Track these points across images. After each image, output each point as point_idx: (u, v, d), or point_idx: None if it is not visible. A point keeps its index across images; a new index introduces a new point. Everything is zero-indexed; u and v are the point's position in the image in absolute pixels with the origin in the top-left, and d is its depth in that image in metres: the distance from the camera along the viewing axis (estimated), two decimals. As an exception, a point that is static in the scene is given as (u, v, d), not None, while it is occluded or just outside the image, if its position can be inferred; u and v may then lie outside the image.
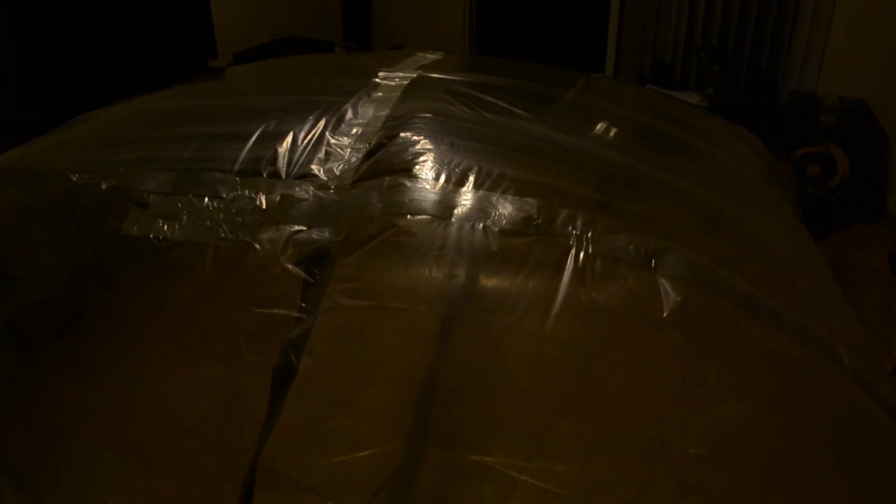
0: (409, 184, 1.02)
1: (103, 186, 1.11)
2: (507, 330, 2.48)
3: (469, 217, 0.98)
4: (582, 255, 0.95)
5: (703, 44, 3.30)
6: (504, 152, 1.11)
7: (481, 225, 0.97)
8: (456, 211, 1.00)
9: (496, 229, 0.97)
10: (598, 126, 1.40)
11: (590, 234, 0.98)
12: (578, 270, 0.95)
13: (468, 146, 1.11)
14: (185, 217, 1.04)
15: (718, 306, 1.03)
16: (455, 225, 0.98)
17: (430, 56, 1.62)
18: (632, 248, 0.97)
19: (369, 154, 1.08)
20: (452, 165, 1.05)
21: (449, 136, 1.12)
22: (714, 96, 3.23)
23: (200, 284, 0.97)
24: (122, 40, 2.70)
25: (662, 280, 0.94)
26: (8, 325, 1.84)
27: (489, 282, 0.95)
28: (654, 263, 0.95)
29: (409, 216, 0.99)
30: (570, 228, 0.98)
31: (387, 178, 1.04)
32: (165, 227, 1.03)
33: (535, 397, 2.23)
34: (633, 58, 3.37)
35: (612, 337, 1.54)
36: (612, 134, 1.39)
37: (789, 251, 1.55)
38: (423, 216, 0.99)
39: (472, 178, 1.04)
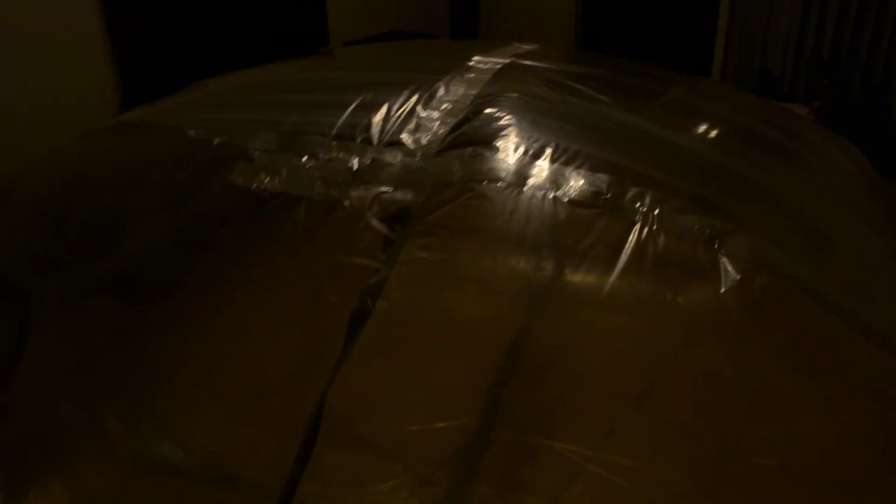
0: (488, 154, 1.08)
1: (215, 142, 1.23)
2: (587, 321, 2.52)
3: (541, 186, 1.04)
4: (646, 230, 0.99)
5: (814, 56, 3.23)
6: (585, 132, 1.16)
7: (551, 195, 1.03)
8: (529, 180, 1.06)
9: (565, 200, 1.03)
10: (697, 124, 1.42)
11: (657, 212, 1.02)
12: (640, 243, 0.99)
13: (550, 125, 1.17)
14: (284, 172, 1.15)
15: (783, 292, 1.04)
16: (527, 193, 1.04)
17: (527, 46, 1.69)
18: (697, 227, 1.00)
19: (455, 127, 1.15)
20: (531, 140, 1.11)
21: (532, 114, 1.18)
22: (822, 109, 3.16)
23: (292, 232, 1.07)
24: (241, 25, 2.88)
25: (724, 259, 0.97)
26: (120, 275, 2.03)
27: (557, 253, 1.00)
28: (718, 244, 0.98)
29: (485, 182, 1.05)
30: (637, 205, 1.02)
31: (468, 149, 1.11)
32: (267, 180, 1.14)
33: (609, 391, 2.25)
34: (740, 67, 3.33)
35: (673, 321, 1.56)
36: (711, 133, 1.41)
37: (883, 266, 1.53)
38: (499, 183, 1.05)
39: (548, 152, 1.09)
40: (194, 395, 2.11)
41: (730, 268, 0.97)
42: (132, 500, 1.58)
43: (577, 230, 1.00)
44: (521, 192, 1.04)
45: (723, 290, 0.96)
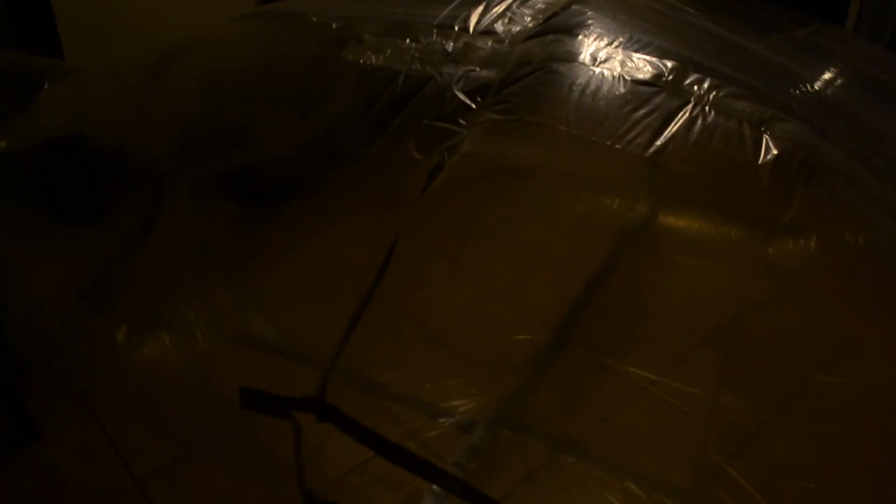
0: (567, 40, 1.20)
1: (333, 26, 1.40)
2: (672, 260, 2.58)
3: (609, 66, 1.15)
4: (698, 108, 1.08)
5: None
6: (665, 32, 1.24)
7: (617, 72, 1.13)
8: (599, 61, 1.17)
9: (629, 78, 1.13)
10: (812, 59, 1.42)
11: (712, 95, 1.10)
12: (691, 118, 1.07)
13: (632, 22, 1.26)
14: (388, 52, 1.31)
15: (822, 174, 1.11)
16: (596, 71, 1.15)
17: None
18: (748, 111, 1.07)
19: (544, 21, 1.27)
20: (609, 31, 1.21)
21: (618, 13, 1.28)
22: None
23: (391, 99, 1.23)
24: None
25: (766, 136, 1.04)
26: (244, 175, 2.26)
27: (613, 117, 1.11)
28: (765, 126, 1.05)
29: (560, 61, 1.17)
30: (695, 88, 1.11)
31: (551, 36, 1.23)
32: (373, 57, 1.31)
33: (683, 325, 2.33)
34: (877, 19, 3.21)
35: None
36: (824, 69, 1.41)
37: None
38: (572, 62, 1.17)
39: (622, 40, 1.19)
40: (292, 286, 2.35)
41: (771, 144, 1.04)
42: (230, 367, 1.80)
43: (636, 103, 1.10)
44: (590, 69, 1.15)
45: (760, 162, 1.03)
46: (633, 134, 1.06)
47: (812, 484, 1.79)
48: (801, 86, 1.23)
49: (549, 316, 2.36)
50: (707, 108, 1.08)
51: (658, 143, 1.05)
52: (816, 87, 1.26)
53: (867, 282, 2.38)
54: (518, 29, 1.27)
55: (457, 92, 1.20)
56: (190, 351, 1.89)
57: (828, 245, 2.47)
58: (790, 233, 2.69)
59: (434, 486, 1.77)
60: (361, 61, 1.33)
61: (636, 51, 1.16)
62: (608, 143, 1.05)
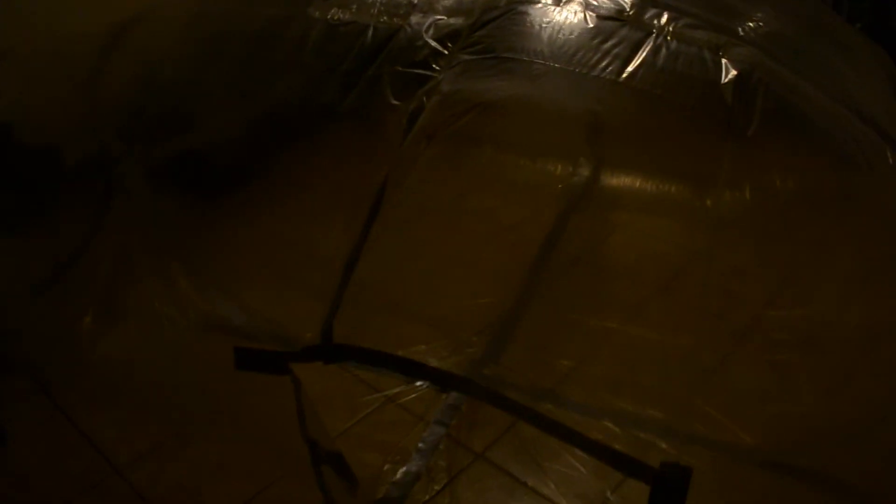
0: (533, -15, 1.26)
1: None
2: (618, 219, 2.68)
3: (572, 7, 1.21)
4: (661, 38, 1.15)
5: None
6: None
7: (582, 11, 1.19)
8: (563, 1, 1.23)
9: (594, 14, 1.19)
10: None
11: (672, 27, 1.17)
12: (655, 46, 1.14)
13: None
14: (354, 7, 1.33)
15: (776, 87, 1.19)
16: (562, 10, 1.21)
17: None
18: (706, 38, 1.15)
19: (510, -28, 1.32)
20: (575, -24, 1.27)
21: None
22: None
23: (362, 52, 1.26)
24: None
25: (725, 60, 1.12)
26: (195, 156, 2.24)
27: (585, 49, 1.16)
28: (722, 52, 1.13)
29: (526, 3, 1.22)
30: (655, 21, 1.18)
31: (517, -16, 1.28)
32: (340, 13, 1.33)
33: (636, 278, 2.42)
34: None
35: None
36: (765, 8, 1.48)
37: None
38: (536, 3, 1.23)
39: (587, -16, 1.26)
40: (253, 266, 2.34)
41: (730, 66, 1.11)
42: (200, 352, 1.79)
43: (603, 36, 1.16)
44: (555, 9, 1.21)
45: (722, 82, 1.10)
46: (605, 63, 1.12)
47: (775, 407, 1.90)
48: (746, 19, 1.32)
49: (509, 279, 2.42)
50: (669, 37, 1.15)
51: (629, 69, 1.12)
52: (760, 21, 1.35)
53: (802, 223, 2.54)
54: (483, -21, 1.31)
55: (427, 39, 1.23)
56: (158, 338, 1.87)
57: (761, 193, 2.61)
58: (726, 185, 2.83)
59: (420, 444, 1.81)
60: (329, 17, 1.35)
61: (600, -7, 1.23)
62: (584, 71, 1.11)
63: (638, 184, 2.82)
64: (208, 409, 1.75)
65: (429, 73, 1.20)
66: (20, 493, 1.78)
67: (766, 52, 1.22)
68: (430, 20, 1.26)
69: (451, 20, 1.25)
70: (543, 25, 1.18)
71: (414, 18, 1.26)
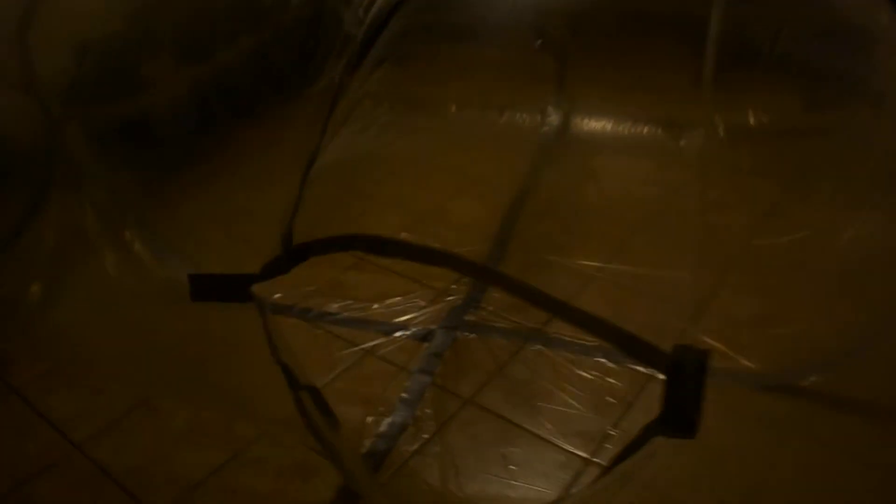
0: None
1: None
2: (593, 164, 2.60)
3: None
4: None
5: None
6: None
7: None
8: None
9: None
10: None
11: None
12: None
13: None
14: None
15: None
16: None
17: None
18: None
19: None
20: None
21: None
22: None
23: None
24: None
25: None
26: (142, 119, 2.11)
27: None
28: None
29: None
30: None
31: None
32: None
33: (615, 218, 2.34)
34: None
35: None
36: None
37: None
38: None
39: None
40: (210, 231, 2.20)
41: None
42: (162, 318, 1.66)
43: None
44: None
45: None
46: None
47: (772, 331, 1.83)
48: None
49: (482, 229, 2.32)
50: None
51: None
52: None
53: (778, 157, 2.49)
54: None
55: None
56: (116, 308, 1.75)
57: (736, 131, 2.55)
58: (699, 124, 2.76)
59: (404, 394, 1.70)
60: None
61: None
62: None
63: (609, 128, 2.75)
64: (175, 377, 1.63)
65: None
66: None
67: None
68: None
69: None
70: None
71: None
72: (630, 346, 0.93)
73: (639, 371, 1.73)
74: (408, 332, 1.90)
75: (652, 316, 1.91)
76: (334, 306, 2.01)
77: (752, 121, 2.65)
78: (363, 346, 1.86)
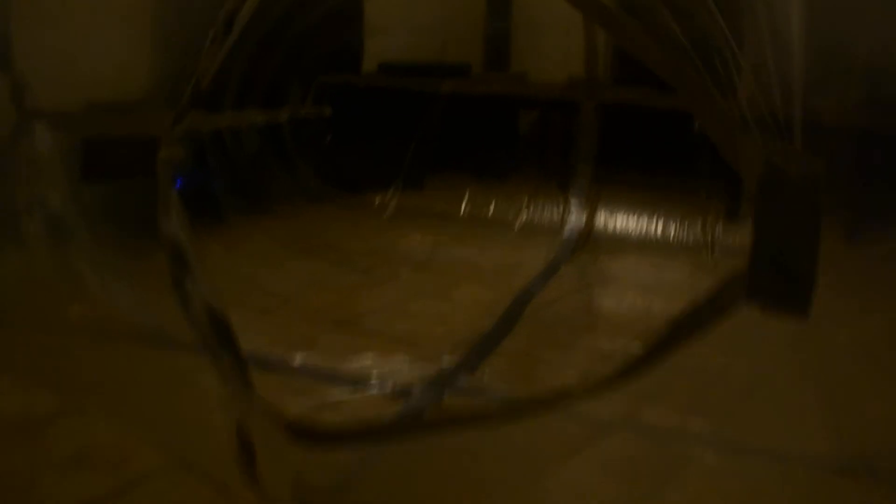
0: None
1: None
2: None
3: None
4: None
5: None
6: None
7: None
8: None
9: None
10: None
11: None
12: None
13: None
14: None
15: None
16: None
17: None
18: None
19: None
20: None
21: None
22: None
23: None
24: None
25: None
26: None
27: None
28: None
29: None
30: None
31: None
32: None
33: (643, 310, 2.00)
34: None
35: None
36: None
37: None
38: None
39: None
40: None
41: None
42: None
43: None
44: None
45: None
46: None
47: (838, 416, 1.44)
48: None
49: (490, 308, 1.98)
50: None
51: None
52: None
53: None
54: None
55: None
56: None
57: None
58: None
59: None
60: None
61: None
62: None
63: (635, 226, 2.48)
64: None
65: None
66: None
67: None
68: None
69: None
70: None
71: None
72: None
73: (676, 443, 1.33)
74: (384, 390, 1.52)
75: (696, 393, 1.54)
76: (297, 358, 1.64)
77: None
78: (321, 399, 1.48)
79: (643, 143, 2.74)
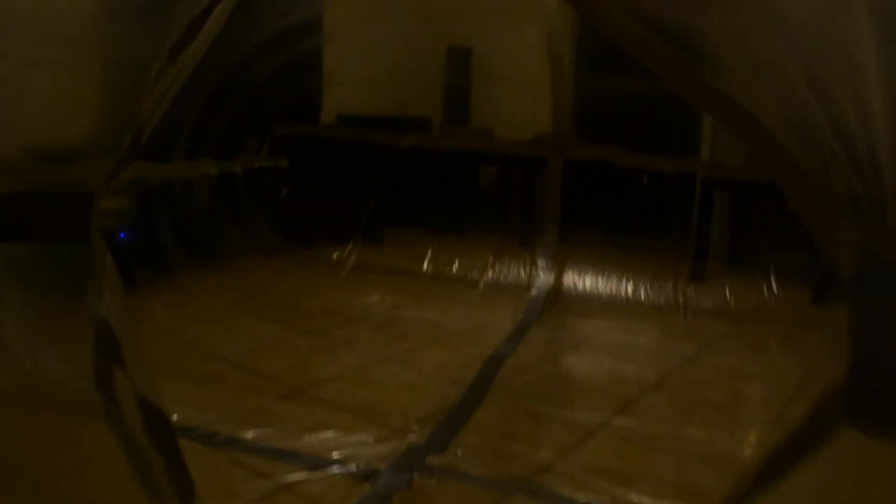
0: None
1: None
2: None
3: None
4: None
5: None
6: None
7: None
8: None
9: None
10: None
11: None
12: None
13: None
14: None
15: None
16: None
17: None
18: None
19: None
20: None
21: None
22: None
23: None
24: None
25: None
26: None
27: None
28: None
29: None
30: None
31: None
32: None
33: (620, 376, 1.89)
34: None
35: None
36: None
37: None
38: None
39: None
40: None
41: None
42: None
43: None
44: None
45: None
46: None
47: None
48: None
49: (455, 375, 1.86)
50: None
51: None
52: None
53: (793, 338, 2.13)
54: None
55: None
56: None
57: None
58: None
59: None
60: None
61: None
62: None
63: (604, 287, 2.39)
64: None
65: None
66: None
67: None
68: None
69: None
70: None
71: None
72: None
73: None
74: (344, 470, 1.37)
75: (678, 472, 1.43)
76: (249, 433, 1.48)
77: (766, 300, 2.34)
78: (278, 480, 1.32)
79: (610, 202, 2.68)
